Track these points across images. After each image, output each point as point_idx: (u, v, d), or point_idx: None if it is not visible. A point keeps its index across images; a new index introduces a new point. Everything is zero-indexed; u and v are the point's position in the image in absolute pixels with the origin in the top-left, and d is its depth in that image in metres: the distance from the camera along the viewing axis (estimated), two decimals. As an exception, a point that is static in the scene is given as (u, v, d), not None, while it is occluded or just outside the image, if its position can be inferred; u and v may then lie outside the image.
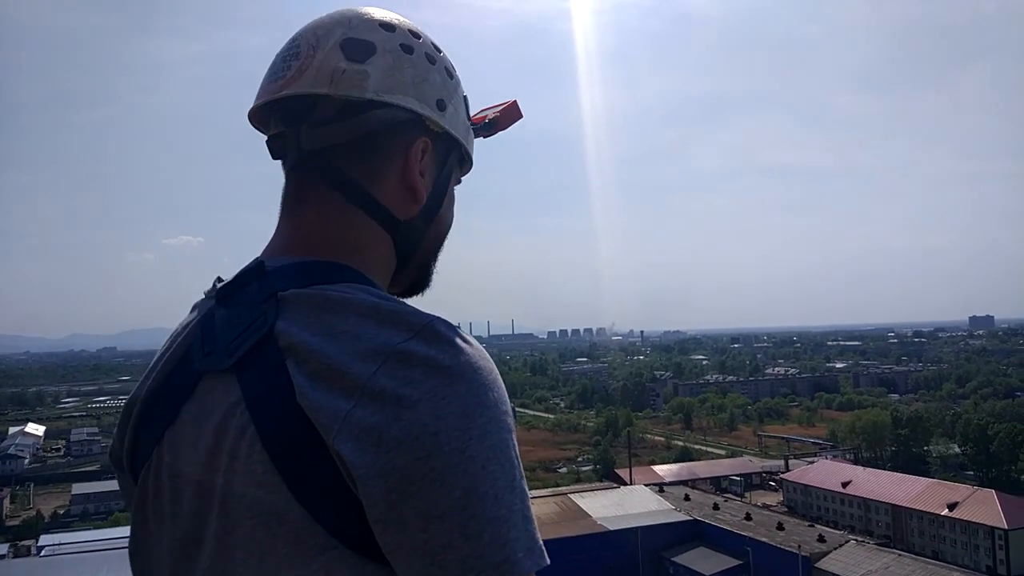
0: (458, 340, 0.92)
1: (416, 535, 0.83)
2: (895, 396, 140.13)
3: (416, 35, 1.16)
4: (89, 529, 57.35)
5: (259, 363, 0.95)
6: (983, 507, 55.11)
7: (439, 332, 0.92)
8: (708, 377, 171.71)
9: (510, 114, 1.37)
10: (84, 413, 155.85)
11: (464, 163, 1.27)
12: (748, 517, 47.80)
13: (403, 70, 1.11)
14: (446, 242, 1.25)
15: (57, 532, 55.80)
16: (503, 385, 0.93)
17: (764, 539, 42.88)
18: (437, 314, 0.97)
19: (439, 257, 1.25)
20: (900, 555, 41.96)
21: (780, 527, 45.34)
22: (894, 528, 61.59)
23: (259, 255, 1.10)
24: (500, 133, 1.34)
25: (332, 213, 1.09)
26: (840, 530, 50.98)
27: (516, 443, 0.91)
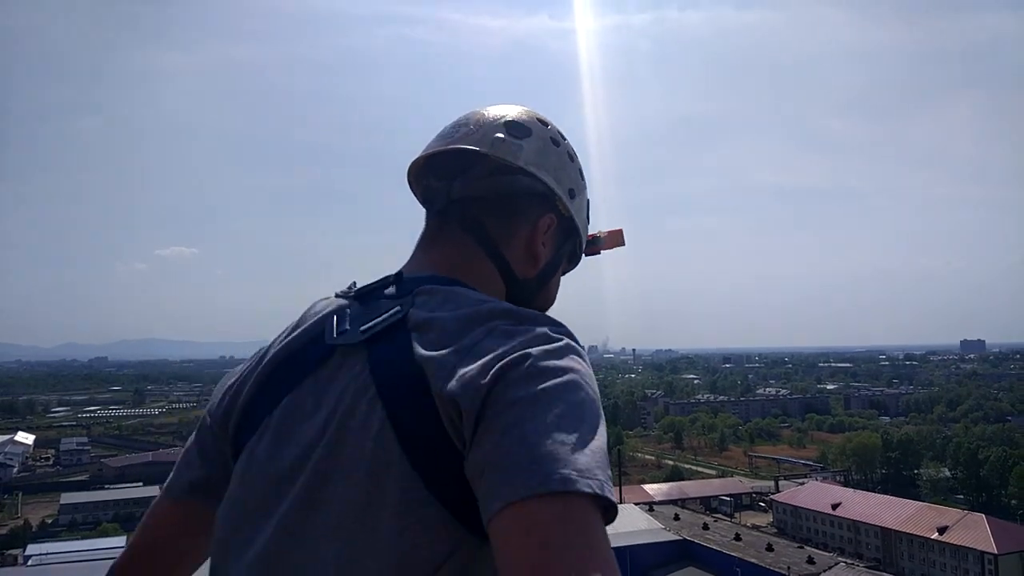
0: (575, 345, 1.03)
1: (496, 448, 0.89)
2: (886, 419, 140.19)
3: (563, 136, 1.38)
4: (77, 539, 57.19)
5: (388, 338, 1.08)
6: (973, 531, 55.23)
7: (553, 334, 1.03)
8: (699, 396, 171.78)
9: (615, 238, 1.55)
10: (74, 423, 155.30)
11: (572, 258, 1.45)
12: (738, 538, 47.76)
13: (549, 155, 1.31)
14: None
15: (44, 542, 55.55)
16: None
17: (753, 560, 42.82)
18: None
19: None
20: (889, 578, 41.98)
21: (770, 548, 45.33)
22: (884, 551, 61.66)
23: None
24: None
25: (464, 254, 1.25)
26: (830, 552, 50.96)
27: (605, 429, 0.96)
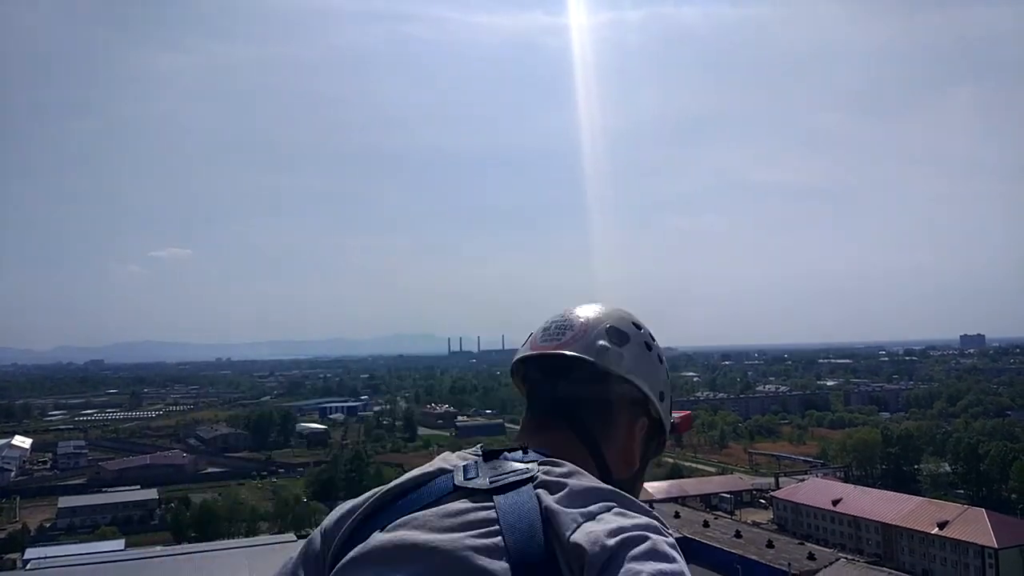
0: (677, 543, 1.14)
1: None
2: (886, 414, 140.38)
3: (653, 339, 1.57)
4: (75, 543, 56.99)
5: (514, 488, 1.20)
6: (973, 526, 55.14)
7: (663, 529, 1.14)
8: (699, 394, 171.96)
9: (686, 422, 1.76)
10: (71, 426, 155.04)
11: (657, 450, 1.62)
12: (738, 535, 47.77)
13: (644, 361, 1.49)
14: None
15: (43, 545, 55.26)
16: None
17: (754, 557, 42.83)
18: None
19: None
20: (890, 573, 42.02)
21: (770, 545, 45.33)
22: (884, 546, 61.54)
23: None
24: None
25: (570, 446, 1.40)
26: (830, 548, 51.09)
27: None
